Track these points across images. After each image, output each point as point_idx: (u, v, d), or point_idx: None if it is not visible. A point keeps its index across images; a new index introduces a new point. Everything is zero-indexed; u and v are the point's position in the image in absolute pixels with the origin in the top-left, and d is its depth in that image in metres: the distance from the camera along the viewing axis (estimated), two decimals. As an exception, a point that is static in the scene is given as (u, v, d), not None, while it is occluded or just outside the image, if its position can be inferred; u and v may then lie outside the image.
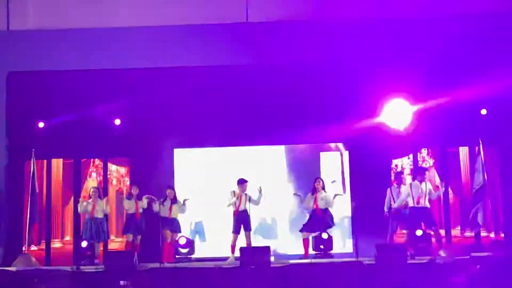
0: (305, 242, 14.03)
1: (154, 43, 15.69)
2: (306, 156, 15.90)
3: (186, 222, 15.34)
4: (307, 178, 14.63)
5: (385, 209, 14.32)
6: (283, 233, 15.58)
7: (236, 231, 14.15)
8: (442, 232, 14.43)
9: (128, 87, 15.68)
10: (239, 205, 14.11)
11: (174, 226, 14.36)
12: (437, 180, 15.38)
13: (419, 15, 15.57)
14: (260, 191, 14.10)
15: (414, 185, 13.85)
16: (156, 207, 14.19)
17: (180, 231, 14.40)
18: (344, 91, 15.52)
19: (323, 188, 14.16)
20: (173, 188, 14.56)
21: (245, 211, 14.16)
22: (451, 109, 15.43)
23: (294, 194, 14.43)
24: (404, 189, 14.00)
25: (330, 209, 14.09)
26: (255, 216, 14.76)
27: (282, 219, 15.72)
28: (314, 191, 14.16)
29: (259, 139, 15.15)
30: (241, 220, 14.16)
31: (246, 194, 14.21)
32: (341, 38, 15.50)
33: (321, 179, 14.26)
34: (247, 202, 14.17)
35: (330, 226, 14.05)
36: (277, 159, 15.88)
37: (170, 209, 14.33)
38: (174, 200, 14.39)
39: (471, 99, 15.28)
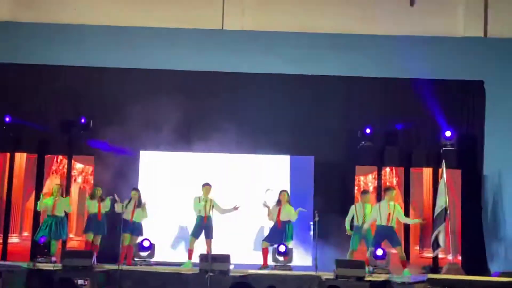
0: (264, 251, 14.03)
1: (126, 43, 15.70)
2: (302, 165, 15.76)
3: (167, 224, 15.14)
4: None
5: (347, 227, 14.35)
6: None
7: (195, 235, 14.11)
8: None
9: (98, 85, 15.63)
10: (204, 210, 14.10)
11: (135, 229, 14.23)
12: (400, 199, 15.46)
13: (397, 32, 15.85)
14: (234, 209, 14.13)
15: (382, 205, 13.97)
16: (118, 208, 14.06)
17: (141, 235, 14.28)
18: (315, 102, 15.63)
19: (288, 201, 14.19)
20: (138, 190, 14.45)
21: (209, 217, 14.13)
22: (416, 128, 15.62)
23: (264, 204, 14.37)
24: (374, 209, 14.09)
25: (292, 222, 14.12)
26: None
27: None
28: (278, 203, 14.19)
29: (226, 146, 15.12)
30: (204, 226, 14.12)
31: (210, 200, 14.19)
32: (317, 50, 15.66)
33: (286, 192, 14.28)
34: (211, 208, 14.17)
35: (289, 240, 14.05)
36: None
37: (133, 212, 14.21)
38: (139, 203, 14.27)
39: (437, 119, 15.51)
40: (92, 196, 14.54)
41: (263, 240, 14.23)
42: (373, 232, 14.03)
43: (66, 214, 14.45)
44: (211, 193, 14.25)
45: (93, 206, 14.41)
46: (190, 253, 14.09)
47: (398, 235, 14.21)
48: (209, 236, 14.13)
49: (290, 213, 14.09)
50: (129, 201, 14.22)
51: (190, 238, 14.16)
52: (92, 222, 14.35)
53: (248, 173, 15.60)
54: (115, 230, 13.89)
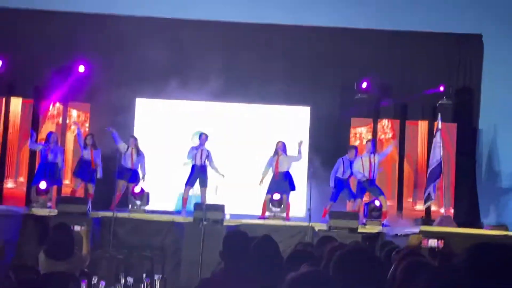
0: (265, 203, 14.00)
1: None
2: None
3: (162, 173, 15.07)
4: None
5: (332, 181, 14.29)
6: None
7: (189, 184, 14.10)
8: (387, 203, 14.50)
9: (97, 33, 15.50)
10: (200, 159, 14.07)
11: (133, 177, 14.20)
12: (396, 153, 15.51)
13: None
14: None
15: (365, 157, 14.00)
16: (121, 147, 13.93)
17: (138, 182, 14.23)
18: (311, 54, 15.60)
19: (284, 151, 14.12)
20: (135, 138, 14.41)
21: (203, 166, 14.12)
22: (413, 81, 15.61)
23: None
24: (357, 162, 14.06)
25: (290, 172, 14.10)
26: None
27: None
28: (275, 153, 14.12)
29: (219, 95, 15.08)
30: (198, 174, 14.10)
31: (207, 150, 14.15)
32: (314, 0, 15.58)
33: (283, 142, 14.21)
34: (206, 158, 14.14)
35: (290, 190, 14.03)
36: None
37: (132, 159, 14.19)
38: (137, 151, 14.22)
39: (434, 73, 15.52)
40: (85, 144, 14.41)
41: (266, 194, 14.10)
42: (352, 185, 14.13)
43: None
44: (207, 143, 14.22)
45: (86, 154, 14.31)
46: (184, 201, 14.10)
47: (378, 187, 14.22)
48: (203, 185, 14.13)
49: (286, 163, 14.06)
50: (127, 148, 14.20)
51: (185, 187, 14.15)
52: (83, 168, 14.25)
53: (243, 123, 15.61)
54: (111, 178, 13.85)
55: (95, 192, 14.18)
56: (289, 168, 14.04)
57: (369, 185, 13.97)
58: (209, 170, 14.20)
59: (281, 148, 14.05)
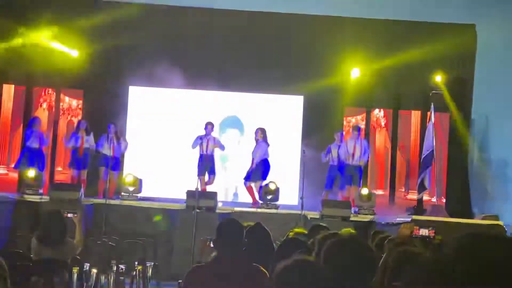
0: (249, 189, 14.02)
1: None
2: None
3: (155, 161, 15.12)
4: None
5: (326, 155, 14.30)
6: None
7: (200, 174, 14.06)
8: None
9: (91, 18, 15.39)
10: (206, 148, 14.02)
11: (115, 165, 14.11)
12: (387, 141, 15.52)
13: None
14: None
15: (349, 142, 14.01)
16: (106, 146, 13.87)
17: (120, 170, 14.19)
18: (305, 42, 15.56)
19: (263, 139, 14.09)
20: (115, 125, 14.23)
21: (211, 155, 14.09)
22: (406, 71, 15.59)
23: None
24: (341, 147, 14.07)
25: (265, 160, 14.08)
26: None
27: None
28: (256, 141, 14.12)
29: (216, 84, 15.05)
30: (206, 163, 14.07)
31: (214, 138, 14.12)
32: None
33: (261, 130, 14.22)
34: (214, 146, 14.11)
35: (262, 179, 14.02)
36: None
37: (113, 147, 14.07)
38: (117, 138, 14.10)
39: (427, 62, 15.48)
40: (78, 129, 14.28)
41: (244, 179, 14.17)
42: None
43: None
44: (213, 132, 14.18)
45: (75, 141, 14.23)
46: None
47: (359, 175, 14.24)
48: (212, 173, 14.13)
49: (263, 151, 14.03)
50: (107, 136, 14.07)
51: (198, 178, 13.99)
52: (74, 156, 14.20)
53: (236, 112, 15.61)
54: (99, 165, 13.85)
55: (88, 179, 14.15)
56: (267, 156, 14.02)
57: (354, 170, 13.98)
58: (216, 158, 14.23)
59: (257, 136, 14.02)
